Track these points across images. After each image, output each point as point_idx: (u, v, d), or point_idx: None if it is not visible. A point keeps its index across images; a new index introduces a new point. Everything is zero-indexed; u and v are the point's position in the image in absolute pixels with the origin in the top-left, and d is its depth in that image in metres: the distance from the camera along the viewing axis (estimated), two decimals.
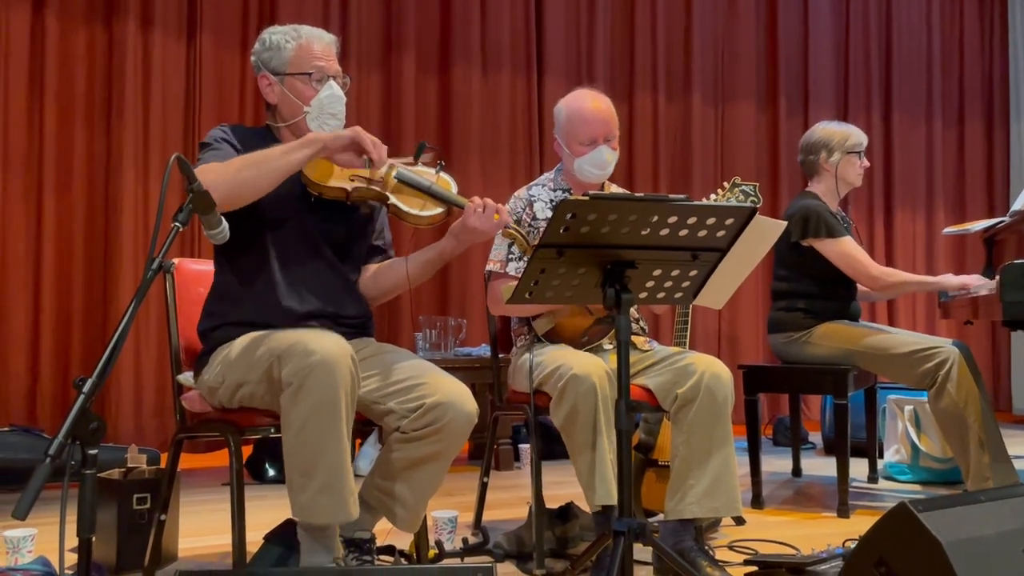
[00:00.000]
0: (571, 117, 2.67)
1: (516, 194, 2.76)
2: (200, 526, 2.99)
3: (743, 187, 2.59)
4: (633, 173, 5.44)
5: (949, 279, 3.24)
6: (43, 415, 4.09)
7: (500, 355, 2.96)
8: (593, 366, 2.36)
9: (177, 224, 1.65)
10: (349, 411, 1.87)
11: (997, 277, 2.61)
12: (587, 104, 2.66)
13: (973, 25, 6.41)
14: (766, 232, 2.53)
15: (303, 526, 1.91)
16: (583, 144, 2.63)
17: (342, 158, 2.05)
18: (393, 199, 2.12)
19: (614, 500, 2.28)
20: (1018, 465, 3.12)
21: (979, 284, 3.14)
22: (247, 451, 3.99)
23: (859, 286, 3.43)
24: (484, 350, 4.26)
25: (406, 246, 2.37)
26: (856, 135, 3.41)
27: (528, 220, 2.68)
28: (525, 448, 4.34)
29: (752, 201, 2.57)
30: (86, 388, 1.42)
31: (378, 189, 2.11)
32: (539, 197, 2.72)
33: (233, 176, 1.94)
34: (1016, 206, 3.31)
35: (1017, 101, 6.30)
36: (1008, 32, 6.36)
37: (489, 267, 2.68)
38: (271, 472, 3.89)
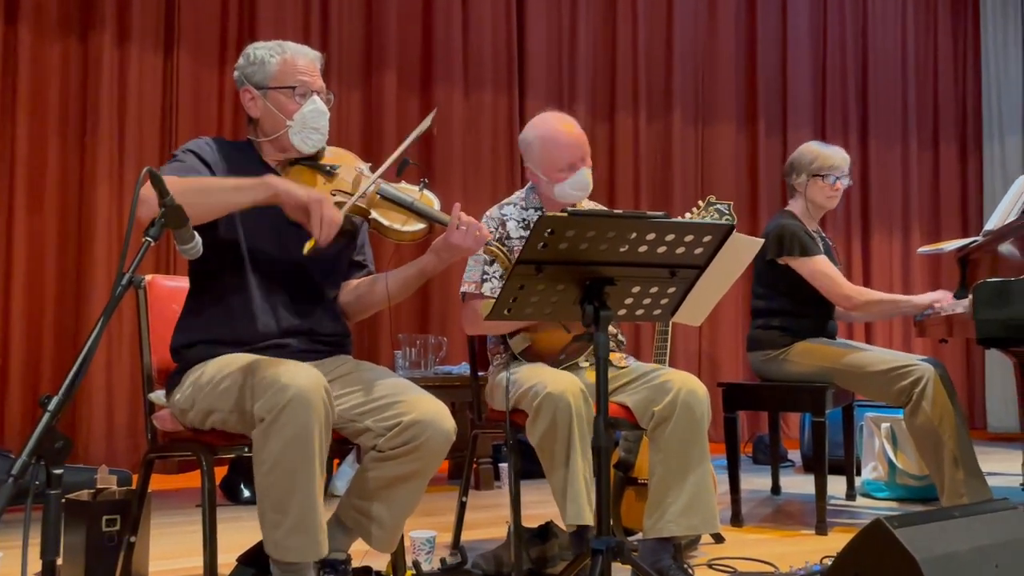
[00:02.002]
0: (545, 145, 2.64)
1: (488, 213, 2.74)
2: (172, 548, 2.94)
3: (718, 206, 2.61)
4: (614, 191, 5.46)
5: (920, 297, 3.26)
6: (11, 435, 4.02)
7: (480, 373, 2.94)
8: (568, 384, 2.35)
9: (148, 239, 1.63)
10: (323, 446, 1.85)
11: (970, 296, 2.62)
12: (559, 128, 2.65)
13: (947, 51, 6.51)
14: (743, 249, 2.54)
15: (275, 562, 1.88)
16: (562, 170, 2.62)
17: (292, 214, 1.97)
18: (375, 214, 2.11)
19: (585, 520, 2.27)
20: (992, 482, 3.13)
21: (950, 303, 3.16)
22: (222, 471, 3.94)
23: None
24: (464, 368, 4.24)
25: (387, 262, 2.35)
26: (824, 158, 3.38)
27: (502, 240, 2.67)
28: (506, 467, 4.31)
29: (727, 219, 2.58)
30: (52, 406, 1.39)
31: (361, 204, 2.10)
32: (511, 216, 2.71)
33: (177, 196, 1.81)
34: (989, 226, 3.34)
35: (990, 124, 6.39)
36: (981, 57, 6.46)
37: (464, 288, 2.66)
38: (246, 493, 3.83)
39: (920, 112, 6.41)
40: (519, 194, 2.79)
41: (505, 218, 2.70)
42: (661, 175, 5.65)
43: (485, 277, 2.62)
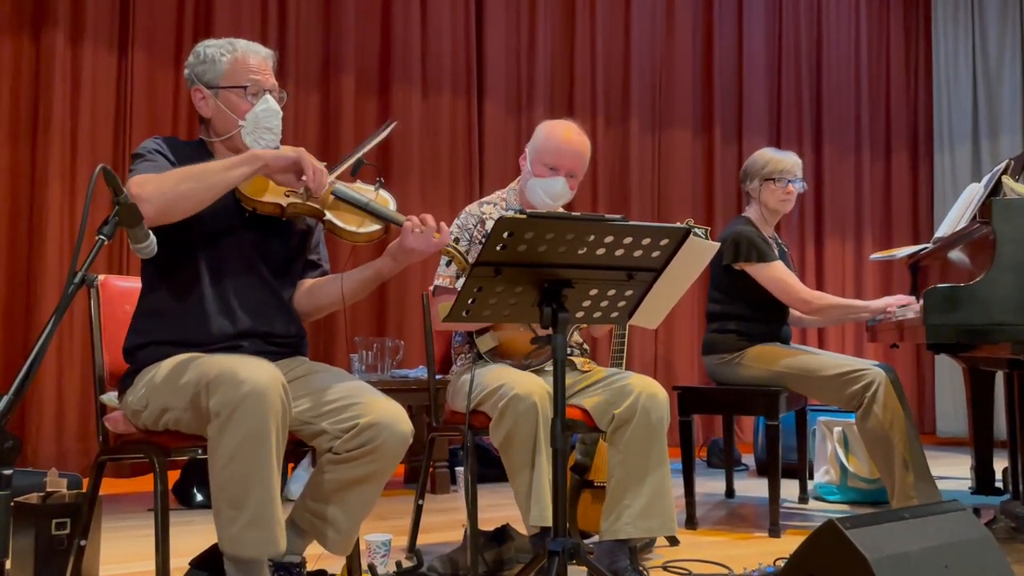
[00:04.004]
0: (548, 137, 2.67)
1: (467, 209, 2.74)
2: (123, 552, 2.89)
3: (695, 230, 2.64)
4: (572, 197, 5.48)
5: (876, 302, 3.32)
6: None
7: (437, 376, 2.93)
8: (534, 386, 2.35)
9: (102, 237, 1.61)
10: (280, 442, 1.83)
11: (921, 301, 2.68)
12: (566, 135, 2.68)
13: (899, 62, 6.64)
14: (699, 253, 2.56)
15: (231, 559, 1.86)
16: (546, 166, 2.64)
17: (281, 178, 2.02)
18: (330, 215, 2.10)
19: (549, 522, 2.28)
20: (942, 486, 3.19)
21: (905, 303, 3.22)
22: (174, 476, 3.88)
23: (792, 311, 3.50)
24: (421, 372, 4.23)
25: (345, 262, 2.33)
26: (776, 162, 3.44)
27: (480, 238, 2.67)
28: (462, 470, 4.30)
29: None
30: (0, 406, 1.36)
31: (314, 205, 2.08)
32: (490, 215, 2.70)
33: (172, 188, 1.89)
34: (939, 233, 3.42)
35: (940, 134, 6.53)
36: (932, 68, 6.60)
37: (437, 282, 2.66)
38: (199, 497, 3.78)
39: (872, 121, 6.53)
40: (501, 193, 2.79)
41: (484, 217, 2.70)
42: (618, 181, 5.69)
43: (460, 272, 2.62)
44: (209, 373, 1.84)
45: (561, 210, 2.92)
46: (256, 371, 1.82)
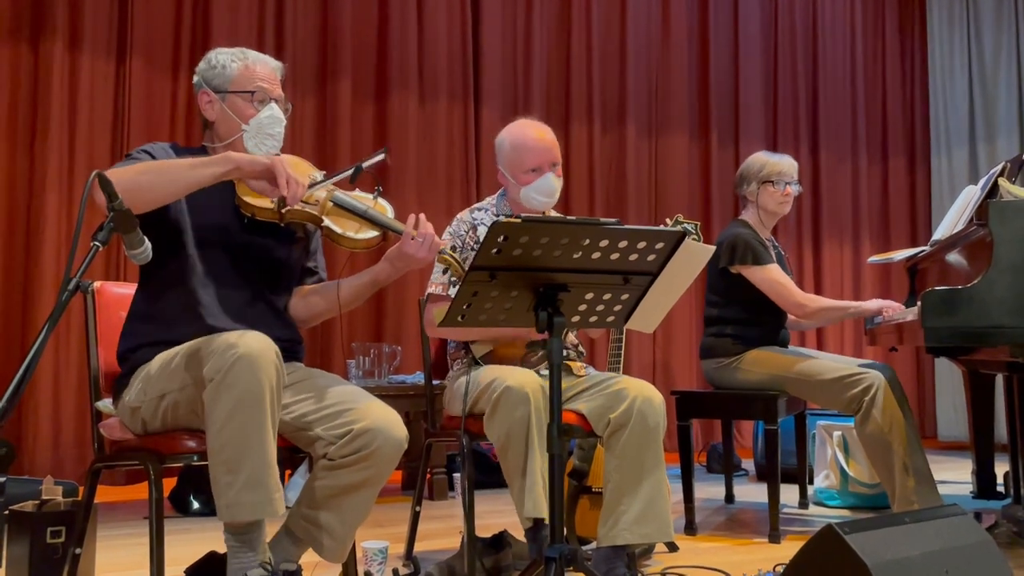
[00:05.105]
0: (515, 146, 2.66)
1: (459, 216, 2.74)
2: (118, 560, 2.88)
3: (685, 225, 2.63)
4: (569, 202, 5.49)
5: (870, 303, 3.31)
6: None
7: (435, 381, 2.93)
8: (527, 379, 2.35)
9: (97, 243, 1.60)
10: (275, 405, 1.83)
11: (919, 304, 2.67)
12: (530, 133, 2.67)
13: (895, 66, 6.65)
14: (695, 256, 2.56)
15: (229, 527, 1.84)
16: (528, 172, 2.63)
17: (256, 184, 1.99)
18: (328, 222, 2.10)
19: (541, 513, 2.26)
20: (943, 491, 3.18)
21: (900, 311, 3.22)
22: (170, 484, 3.86)
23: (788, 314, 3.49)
24: (419, 377, 4.22)
25: (342, 269, 2.33)
26: (772, 165, 3.44)
27: (472, 244, 2.67)
28: (460, 477, 4.28)
29: (694, 239, 2.61)
30: None
31: (313, 212, 2.08)
32: (482, 221, 2.71)
33: (131, 178, 1.86)
34: (937, 236, 3.41)
35: (937, 137, 6.53)
36: (928, 72, 6.61)
37: (430, 289, 2.65)
38: (195, 505, 3.77)
39: (869, 125, 6.54)
40: (491, 199, 2.79)
41: (476, 222, 2.70)
42: (615, 185, 5.69)
43: (454, 280, 2.61)
44: (204, 346, 1.85)
45: (556, 214, 2.92)
46: (249, 338, 1.82)
